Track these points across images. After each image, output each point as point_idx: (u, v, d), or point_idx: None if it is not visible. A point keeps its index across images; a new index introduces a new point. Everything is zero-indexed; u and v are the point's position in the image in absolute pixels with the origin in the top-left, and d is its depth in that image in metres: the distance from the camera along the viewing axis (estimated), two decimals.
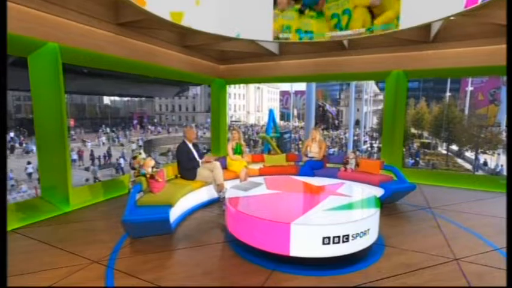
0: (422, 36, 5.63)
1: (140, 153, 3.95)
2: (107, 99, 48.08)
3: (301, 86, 19.40)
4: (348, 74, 6.83)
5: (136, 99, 46.43)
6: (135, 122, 43.38)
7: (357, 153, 5.79)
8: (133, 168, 3.92)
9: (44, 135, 4.25)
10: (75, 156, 21.76)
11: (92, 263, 2.82)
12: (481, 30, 5.10)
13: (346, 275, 2.62)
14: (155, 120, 51.84)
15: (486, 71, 5.44)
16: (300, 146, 24.46)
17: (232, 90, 65.35)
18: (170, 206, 3.54)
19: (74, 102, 39.22)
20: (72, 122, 31.77)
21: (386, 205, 4.48)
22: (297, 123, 52.14)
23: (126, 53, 5.15)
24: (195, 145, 4.79)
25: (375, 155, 24.34)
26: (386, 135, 6.52)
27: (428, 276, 2.65)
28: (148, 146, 26.05)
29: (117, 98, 47.75)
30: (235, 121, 60.40)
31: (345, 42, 6.26)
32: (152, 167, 3.95)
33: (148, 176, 3.78)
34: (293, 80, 9.69)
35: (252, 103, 72.06)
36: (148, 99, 49.59)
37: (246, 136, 32.35)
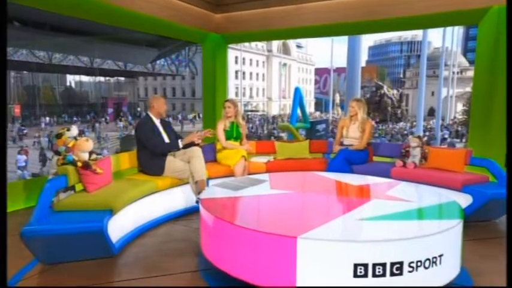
0: None
1: (68, 130, 3.62)
2: (70, 79, 49.93)
3: (344, 62, 19.00)
4: (413, 18, 6.32)
5: (111, 79, 47.77)
6: (109, 110, 44.62)
7: (424, 139, 5.29)
8: (57, 153, 3.59)
9: None
10: (22, 163, 20.81)
11: None
12: None
13: None
14: (139, 109, 53.01)
15: None
16: None
17: (248, 68, 65.88)
18: (110, 211, 3.25)
19: (25, 84, 40.82)
20: (17, 110, 32.84)
21: (476, 222, 4.11)
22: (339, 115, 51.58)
23: None
24: (164, 122, 4.63)
25: None
26: (477, 113, 6.05)
27: None
28: (125, 144, 26.52)
29: (84, 79, 49.50)
30: (252, 110, 60.83)
31: None
32: (90, 153, 3.68)
33: (79, 164, 3.43)
34: (325, 33, 9.28)
35: (275, 86, 72.18)
36: (129, 79, 50.87)
37: (265, 131, 32.24)
